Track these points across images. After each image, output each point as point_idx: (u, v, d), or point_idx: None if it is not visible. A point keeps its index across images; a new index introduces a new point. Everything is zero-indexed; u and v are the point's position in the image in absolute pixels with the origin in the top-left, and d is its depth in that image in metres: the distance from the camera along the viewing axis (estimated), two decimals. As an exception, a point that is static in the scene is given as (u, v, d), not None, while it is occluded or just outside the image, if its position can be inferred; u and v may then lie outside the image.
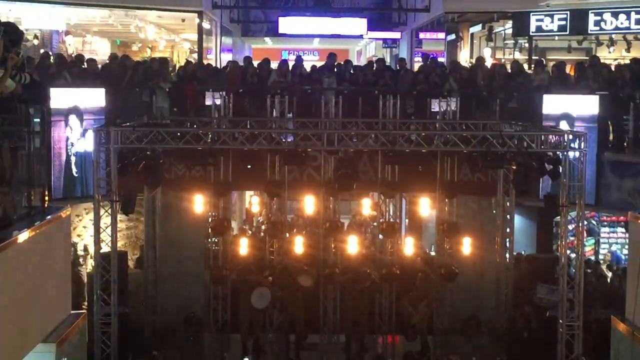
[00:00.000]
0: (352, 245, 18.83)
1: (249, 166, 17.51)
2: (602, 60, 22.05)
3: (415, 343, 18.64)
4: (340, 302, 19.44)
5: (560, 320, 16.18)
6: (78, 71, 19.66)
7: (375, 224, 22.94)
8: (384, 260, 19.54)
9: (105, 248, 16.35)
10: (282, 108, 19.87)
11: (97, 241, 16.07)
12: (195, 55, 29.95)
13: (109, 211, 15.99)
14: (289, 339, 19.01)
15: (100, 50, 32.88)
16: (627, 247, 18.60)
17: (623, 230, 21.85)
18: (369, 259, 19.45)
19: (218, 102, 19.97)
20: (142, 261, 20.28)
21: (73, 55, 24.02)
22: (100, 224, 16.09)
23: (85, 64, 20.30)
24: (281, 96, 19.92)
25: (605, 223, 22.42)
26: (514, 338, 18.98)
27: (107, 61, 21.80)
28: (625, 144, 18.83)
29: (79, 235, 21.06)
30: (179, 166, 18.93)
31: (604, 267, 21.92)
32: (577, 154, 16.24)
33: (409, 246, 19.46)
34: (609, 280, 20.63)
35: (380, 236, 19.94)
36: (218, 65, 27.37)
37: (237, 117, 19.68)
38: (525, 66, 21.89)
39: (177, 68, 24.68)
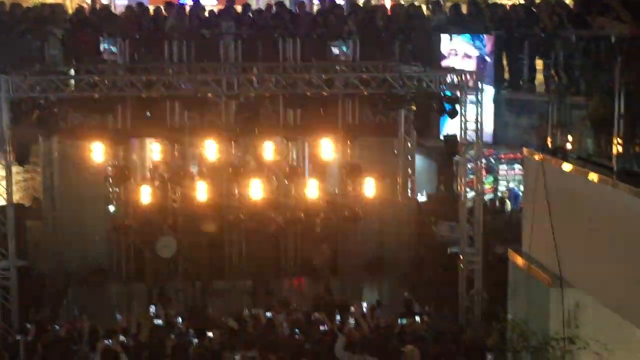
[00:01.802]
0: (256, 190, 18.78)
1: (148, 113, 17.20)
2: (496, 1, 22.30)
3: (320, 285, 18.80)
4: (245, 247, 19.44)
5: (461, 257, 16.55)
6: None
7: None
8: (288, 204, 19.58)
9: (1, 201, 15.88)
10: (179, 54, 19.49)
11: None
12: (89, 1, 29.01)
13: (3, 162, 15.49)
14: (195, 286, 18.92)
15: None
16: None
17: (520, 167, 22.34)
18: (272, 204, 19.46)
19: (114, 49, 19.45)
20: (41, 213, 19.79)
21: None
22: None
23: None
24: (179, 41, 19.53)
25: (503, 161, 22.86)
26: (417, 276, 19.38)
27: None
28: (520, 82, 19.20)
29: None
30: (75, 114, 18.44)
31: (502, 204, 22.44)
32: (474, 93, 16.47)
33: (312, 189, 19.52)
34: (507, 216, 21.15)
35: (285, 180, 19.92)
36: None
37: (133, 64, 19.23)
38: (423, 7, 21.99)
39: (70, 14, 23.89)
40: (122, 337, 13.24)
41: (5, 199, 15.64)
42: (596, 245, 9.05)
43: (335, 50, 20.25)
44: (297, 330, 13.84)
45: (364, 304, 15.65)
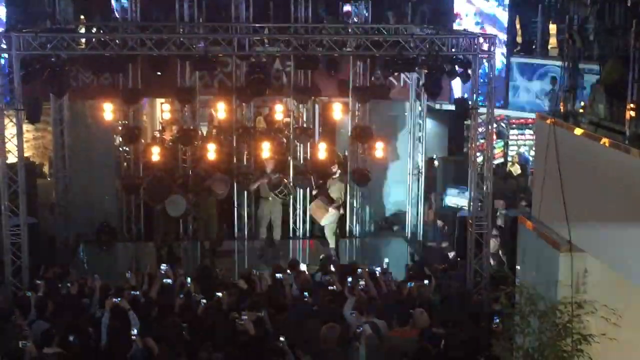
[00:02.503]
0: (266, 151, 18.79)
1: (159, 73, 17.16)
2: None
3: (328, 248, 18.83)
4: (254, 208, 19.47)
5: (470, 220, 16.52)
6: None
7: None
8: (298, 165, 19.59)
9: (13, 159, 15.90)
10: (191, 12, 19.39)
11: (2, 151, 15.59)
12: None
13: (14, 120, 15.49)
14: (203, 246, 19.00)
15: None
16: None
17: (531, 132, 22.30)
18: (282, 165, 19.47)
19: (125, 4, 19.37)
20: (52, 171, 19.85)
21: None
22: (6, 134, 15.59)
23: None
24: (190, 1, 19.42)
25: (514, 125, 22.81)
26: (425, 240, 19.44)
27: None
28: (533, 46, 19.06)
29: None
30: (86, 73, 18.41)
31: (512, 168, 22.42)
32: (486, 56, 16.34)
33: (322, 151, 19.50)
34: (518, 181, 21.15)
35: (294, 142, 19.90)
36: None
37: (144, 23, 19.15)
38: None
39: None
40: (131, 293, 13.31)
41: (16, 156, 15.66)
42: (607, 210, 9.03)
43: (348, 11, 20.13)
44: (305, 292, 13.87)
45: (375, 268, 15.65)
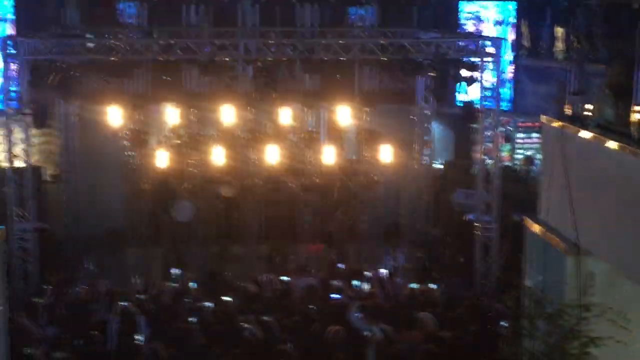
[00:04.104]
0: (272, 155, 18.81)
1: (166, 77, 17.21)
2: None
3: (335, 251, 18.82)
4: (261, 212, 19.47)
5: (477, 224, 16.54)
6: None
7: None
8: (304, 170, 19.59)
9: (20, 164, 15.96)
10: (197, 17, 19.43)
11: (10, 157, 15.66)
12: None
13: (22, 125, 15.55)
14: (211, 251, 19.00)
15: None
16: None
17: (538, 135, 22.24)
18: (289, 170, 19.48)
19: (132, 11, 19.42)
20: (59, 176, 19.90)
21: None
22: (13, 139, 15.65)
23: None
24: (197, 5, 19.47)
25: (521, 129, 22.75)
26: (433, 243, 19.41)
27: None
28: (540, 50, 19.05)
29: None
30: (94, 78, 18.44)
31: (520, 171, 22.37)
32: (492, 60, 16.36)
33: (329, 156, 19.50)
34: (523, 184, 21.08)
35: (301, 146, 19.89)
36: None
37: (151, 28, 19.21)
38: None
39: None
40: (139, 298, 13.35)
41: (24, 161, 15.72)
42: (614, 213, 9.02)
43: (354, 16, 20.14)
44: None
45: (382, 271, 15.65)
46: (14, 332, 12.12)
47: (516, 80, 18.99)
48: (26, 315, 12.91)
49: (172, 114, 19.63)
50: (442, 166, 21.24)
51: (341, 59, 16.57)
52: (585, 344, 9.17)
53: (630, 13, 10.38)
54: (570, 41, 16.56)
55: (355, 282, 14.50)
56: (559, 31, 18.86)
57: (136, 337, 11.70)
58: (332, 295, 13.93)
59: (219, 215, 19.05)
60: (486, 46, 16.16)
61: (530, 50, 19.25)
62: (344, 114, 19.88)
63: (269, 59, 16.84)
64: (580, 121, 10.54)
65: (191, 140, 19.06)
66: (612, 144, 9.11)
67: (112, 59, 15.80)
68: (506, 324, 11.16)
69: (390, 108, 19.86)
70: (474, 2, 19.62)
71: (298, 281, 14.94)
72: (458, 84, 17.61)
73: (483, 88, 16.29)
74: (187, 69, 18.38)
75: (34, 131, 16.62)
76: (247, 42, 16.64)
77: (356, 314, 12.38)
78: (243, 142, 19.11)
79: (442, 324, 12.38)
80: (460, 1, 19.29)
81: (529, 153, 21.86)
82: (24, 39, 15.33)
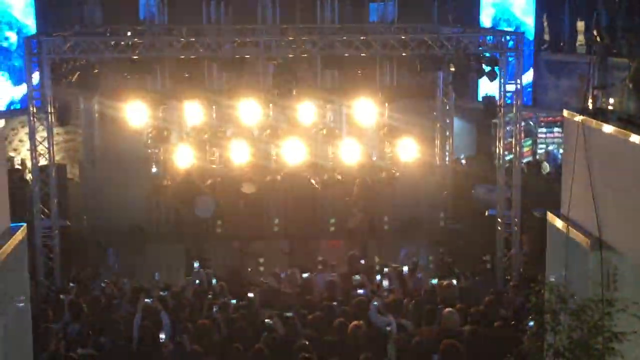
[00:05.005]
0: (293, 152, 18.83)
1: (187, 74, 17.28)
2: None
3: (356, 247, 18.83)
4: (282, 209, 19.52)
5: (499, 219, 16.50)
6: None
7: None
8: (325, 166, 19.60)
9: (43, 161, 16.08)
10: (218, 14, 19.49)
11: (35, 155, 15.78)
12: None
13: (44, 123, 15.66)
14: (233, 247, 19.08)
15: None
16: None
17: (560, 130, 22.17)
18: (310, 166, 19.50)
19: (153, 9, 19.53)
20: (82, 173, 20.03)
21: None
22: (37, 137, 15.78)
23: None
24: (217, 2, 19.53)
25: (543, 124, 22.68)
26: (454, 239, 19.38)
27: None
28: (561, 44, 18.95)
29: (15, 150, 20.68)
30: (115, 75, 18.56)
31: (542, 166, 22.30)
32: (514, 54, 16.30)
33: (349, 152, 19.49)
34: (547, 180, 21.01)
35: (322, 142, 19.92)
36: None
37: (172, 25, 19.29)
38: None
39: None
40: (162, 294, 13.42)
41: (47, 159, 15.83)
42: (637, 208, 8.97)
43: (374, 12, 20.14)
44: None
45: (404, 267, 15.62)
46: (38, 329, 12.25)
47: (537, 74, 18.89)
48: (51, 312, 13.00)
49: (193, 111, 19.71)
50: (463, 161, 21.19)
51: (362, 54, 16.57)
52: (609, 339, 9.13)
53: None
54: (591, 34, 16.50)
55: (376, 278, 14.46)
56: (581, 25, 18.78)
57: (160, 335, 11.75)
58: (358, 291, 13.90)
59: (240, 211, 19.09)
60: (507, 40, 16.09)
61: (551, 44, 19.15)
62: (365, 110, 19.86)
63: (290, 55, 16.87)
64: (603, 115, 10.49)
65: (212, 136, 19.13)
66: (635, 138, 9.06)
67: (133, 56, 15.86)
68: (529, 319, 11.13)
69: (411, 103, 19.84)
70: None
71: (319, 277, 14.95)
72: (479, 78, 17.55)
73: (504, 82, 16.22)
74: (208, 66, 18.43)
75: (57, 130, 16.71)
76: (267, 39, 16.67)
77: (376, 310, 12.38)
78: (264, 138, 19.15)
79: (464, 319, 12.34)
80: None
81: (550, 148, 21.81)
82: (46, 38, 15.44)
